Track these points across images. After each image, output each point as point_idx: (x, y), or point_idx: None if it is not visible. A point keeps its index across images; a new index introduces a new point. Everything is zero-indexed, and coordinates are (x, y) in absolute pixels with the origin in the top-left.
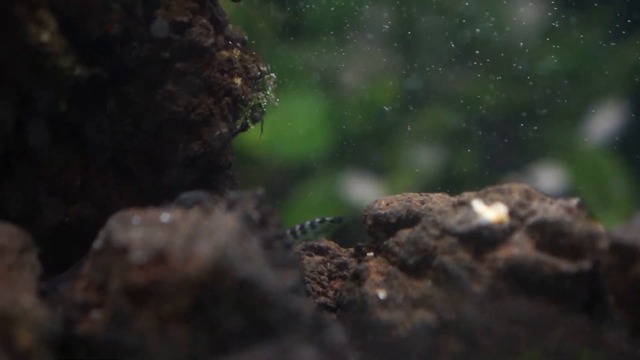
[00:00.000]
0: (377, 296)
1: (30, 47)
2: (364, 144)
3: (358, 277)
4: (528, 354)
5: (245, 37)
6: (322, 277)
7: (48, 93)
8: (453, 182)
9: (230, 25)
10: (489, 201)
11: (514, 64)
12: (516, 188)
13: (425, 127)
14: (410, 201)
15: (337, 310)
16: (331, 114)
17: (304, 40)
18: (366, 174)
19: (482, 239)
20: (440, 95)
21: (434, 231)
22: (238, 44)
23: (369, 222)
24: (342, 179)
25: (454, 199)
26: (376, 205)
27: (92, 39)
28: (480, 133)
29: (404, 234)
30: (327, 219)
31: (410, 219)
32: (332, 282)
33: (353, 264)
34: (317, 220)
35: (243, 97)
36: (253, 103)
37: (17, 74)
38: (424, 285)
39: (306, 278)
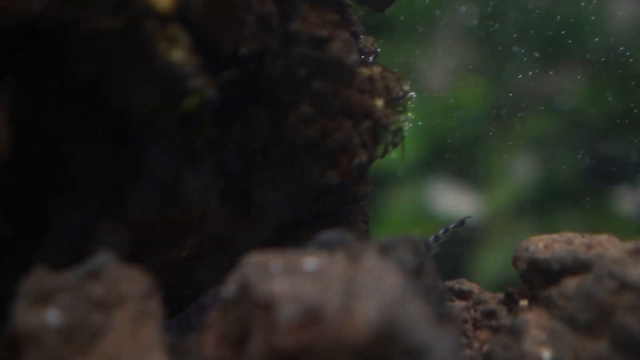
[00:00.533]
0: (540, 357)
1: (159, 67)
2: (454, 152)
3: (515, 332)
4: None
5: (378, 49)
6: (467, 326)
7: (177, 121)
8: (554, 194)
9: (362, 36)
10: None
11: (620, 64)
12: None
13: (523, 134)
14: (571, 243)
15: None
16: (416, 119)
17: (384, 39)
18: (458, 185)
19: None
20: (539, 98)
21: (611, 284)
22: (371, 58)
23: (523, 266)
24: (430, 190)
25: (629, 246)
26: (532, 247)
27: (224, 57)
28: (583, 140)
29: (571, 284)
30: (450, 226)
31: (576, 267)
32: (477, 332)
33: (502, 312)
34: (440, 231)
35: (384, 120)
36: (395, 127)
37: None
38: (599, 348)
39: None
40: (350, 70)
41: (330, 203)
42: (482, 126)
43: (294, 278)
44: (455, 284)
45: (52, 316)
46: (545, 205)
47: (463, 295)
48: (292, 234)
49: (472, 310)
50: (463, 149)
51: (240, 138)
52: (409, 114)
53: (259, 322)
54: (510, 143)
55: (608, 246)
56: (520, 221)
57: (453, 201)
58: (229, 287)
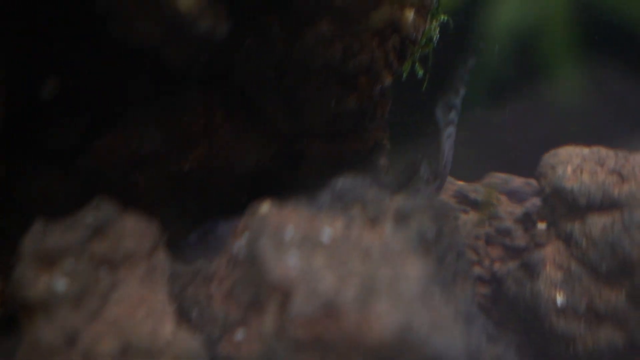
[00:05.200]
0: (554, 300)
1: (165, 15)
2: None
3: (530, 269)
4: None
5: None
6: (478, 243)
7: (182, 58)
8: None
9: None
10: None
11: None
12: None
13: None
14: (602, 164)
15: (493, 283)
16: None
17: None
18: None
19: None
20: None
21: None
22: None
23: (547, 189)
24: None
25: None
26: (560, 171)
27: None
28: None
29: (597, 224)
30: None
31: (605, 205)
32: (489, 247)
33: (518, 232)
34: None
35: (414, 35)
36: (424, 39)
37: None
38: (616, 298)
39: None
40: None
41: (346, 123)
42: None
43: (308, 254)
44: (471, 191)
45: (60, 284)
46: None
47: (478, 206)
48: (305, 146)
49: (486, 225)
50: None
51: (251, 51)
52: (443, 17)
53: (273, 304)
54: None
55: None
56: None
57: None
58: (237, 244)
